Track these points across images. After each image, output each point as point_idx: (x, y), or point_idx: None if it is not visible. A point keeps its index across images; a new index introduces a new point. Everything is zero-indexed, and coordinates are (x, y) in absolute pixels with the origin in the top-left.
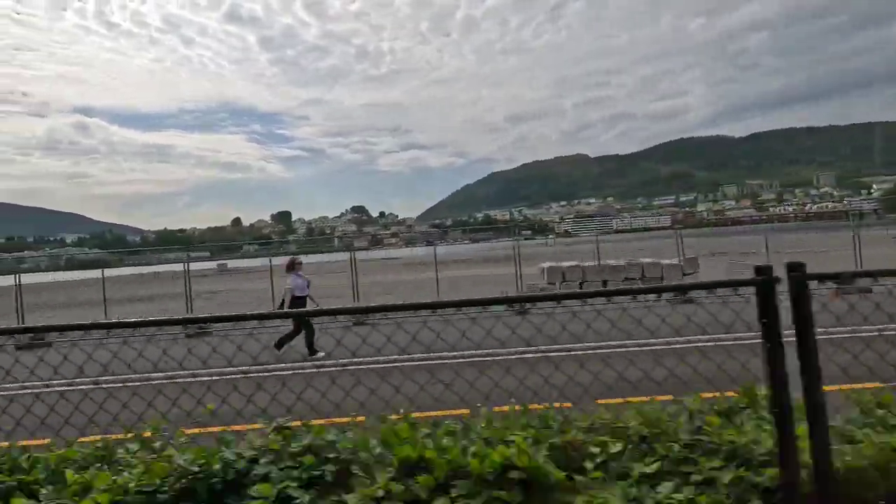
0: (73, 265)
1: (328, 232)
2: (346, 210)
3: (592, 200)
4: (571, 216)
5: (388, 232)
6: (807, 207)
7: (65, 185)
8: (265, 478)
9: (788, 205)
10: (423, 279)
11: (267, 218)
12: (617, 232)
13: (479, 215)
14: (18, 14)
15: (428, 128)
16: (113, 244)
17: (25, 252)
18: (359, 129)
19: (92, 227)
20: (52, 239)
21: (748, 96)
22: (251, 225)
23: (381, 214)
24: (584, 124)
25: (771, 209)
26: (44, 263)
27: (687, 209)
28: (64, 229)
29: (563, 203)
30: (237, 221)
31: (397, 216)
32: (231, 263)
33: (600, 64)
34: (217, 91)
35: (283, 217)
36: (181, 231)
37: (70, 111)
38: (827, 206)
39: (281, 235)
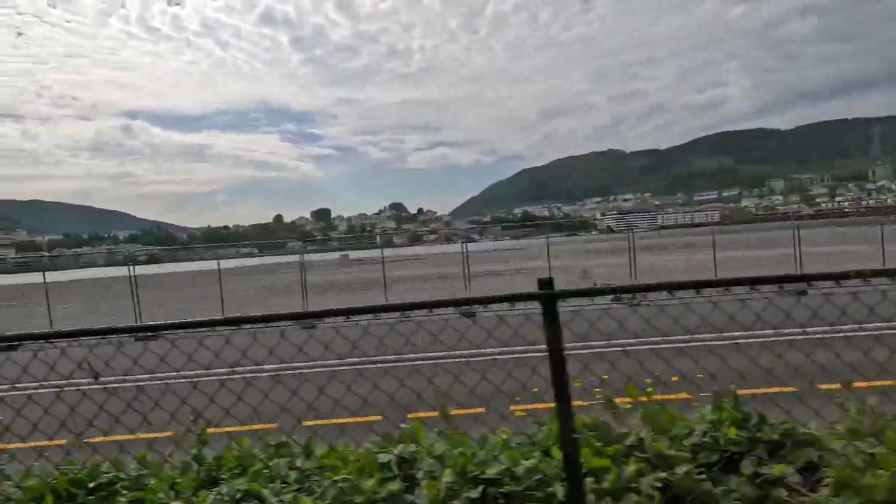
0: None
1: (369, 229)
2: (385, 207)
3: (629, 196)
4: (614, 212)
5: (427, 229)
6: (863, 203)
7: (111, 184)
8: None
9: (843, 200)
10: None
11: (305, 215)
12: (662, 228)
13: (518, 212)
14: (69, 22)
15: (457, 125)
16: (163, 241)
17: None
18: (388, 127)
19: (137, 224)
20: (106, 236)
21: (793, 87)
22: (293, 222)
23: (420, 211)
24: (616, 119)
25: (823, 205)
26: (101, 259)
27: (731, 205)
28: (112, 227)
29: (597, 199)
30: (279, 219)
31: (435, 213)
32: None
33: (633, 56)
34: (251, 92)
35: (323, 214)
36: (225, 228)
37: (115, 114)
38: (886, 201)
39: (323, 232)
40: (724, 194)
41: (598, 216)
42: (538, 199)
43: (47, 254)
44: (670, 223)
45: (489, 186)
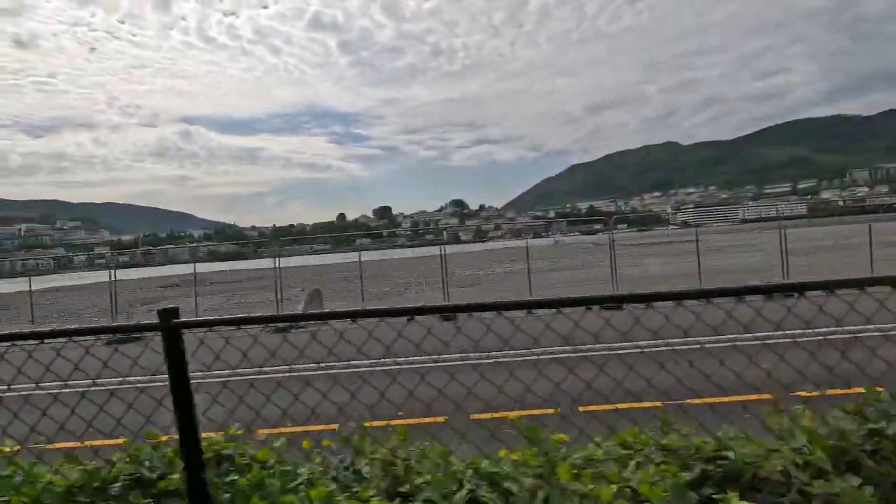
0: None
1: (431, 225)
2: (445, 204)
3: (692, 190)
4: (691, 205)
5: (491, 225)
6: None
7: (173, 187)
8: None
9: None
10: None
11: (357, 213)
12: (743, 222)
13: (583, 206)
14: (135, 36)
15: (501, 121)
16: (233, 238)
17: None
18: (432, 125)
19: (200, 223)
20: (182, 234)
21: (870, 70)
22: (355, 220)
23: (482, 207)
24: (669, 111)
25: None
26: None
27: (810, 197)
28: (179, 226)
29: (657, 194)
30: (342, 217)
31: (496, 208)
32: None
33: (687, 46)
34: (301, 95)
35: (385, 212)
36: (291, 227)
37: (175, 120)
38: None
39: (386, 229)
40: (800, 186)
41: (669, 210)
42: (590, 194)
43: (153, 248)
44: (751, 217)
45: (539, 182)
